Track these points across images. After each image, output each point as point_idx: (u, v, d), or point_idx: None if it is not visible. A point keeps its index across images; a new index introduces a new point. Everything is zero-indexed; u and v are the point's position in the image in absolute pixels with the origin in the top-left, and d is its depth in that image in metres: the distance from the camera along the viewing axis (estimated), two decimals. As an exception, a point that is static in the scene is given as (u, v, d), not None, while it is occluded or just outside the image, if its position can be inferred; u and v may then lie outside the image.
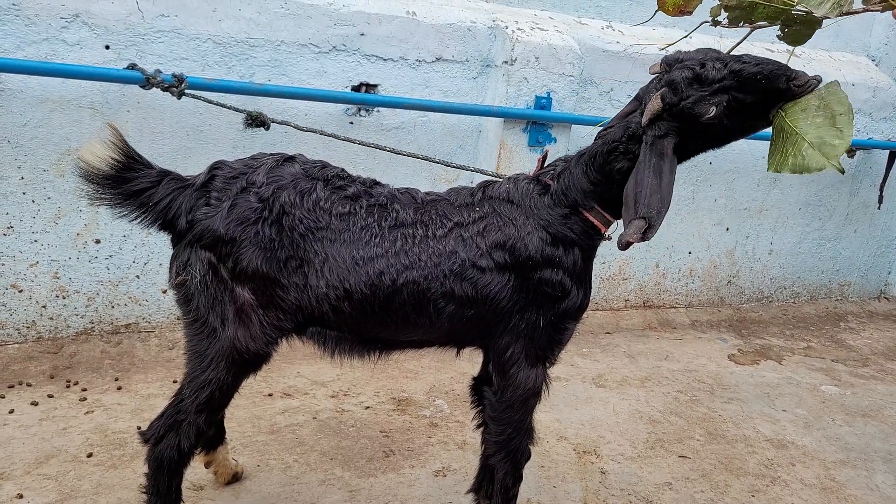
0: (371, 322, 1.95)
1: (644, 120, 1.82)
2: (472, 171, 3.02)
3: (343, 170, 2.02)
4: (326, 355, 2.03)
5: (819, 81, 1.76)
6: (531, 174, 2.09)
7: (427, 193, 2.06)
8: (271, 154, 1.99)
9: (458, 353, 2.17)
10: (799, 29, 1.97)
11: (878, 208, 5.29)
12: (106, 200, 1.86)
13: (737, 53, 1.82)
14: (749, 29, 2.05)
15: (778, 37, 2.04)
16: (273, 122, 3.04)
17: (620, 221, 2.05)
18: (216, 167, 1.93)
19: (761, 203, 4.95)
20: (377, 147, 3.03)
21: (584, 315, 2.11)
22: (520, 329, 1.97)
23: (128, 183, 1.86)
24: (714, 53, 1.81)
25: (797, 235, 5.19)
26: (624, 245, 1.79)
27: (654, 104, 1.79)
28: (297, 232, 1.86)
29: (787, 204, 5.05)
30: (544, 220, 1.96)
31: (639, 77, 4.27)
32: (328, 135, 2.99)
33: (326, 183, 1.93)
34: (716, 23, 2.05)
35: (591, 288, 2.07)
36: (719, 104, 1.75)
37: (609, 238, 2.04)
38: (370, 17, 3.54)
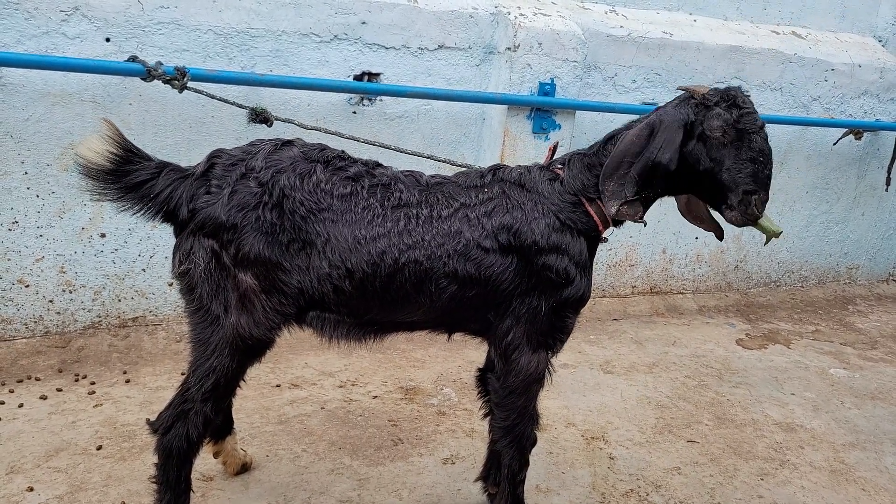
0: (371, 302, 1.95)
1: (683, 86, 2.03)
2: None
3: (343, 151, 2.02)
4: (324, 339, 2.04)
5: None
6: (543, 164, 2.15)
7: (432, 176, 2.07)
8: (269, 139, 1.99)
9: (448, 336, 2.19)
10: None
11: (886, 190, 5.24)
12: (107, 195, 1.87)
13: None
14: None
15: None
16: (277, 119, 3.05)
17: (617, 229, 2.11)
18: (215, 155, 1.94)
19: (768, 187, 4.91)
20: (381, 145, 3.09)
21: (584, 308, 2.12)
22: (521, 313, 1.98)
23: (127, 176, 1.86)
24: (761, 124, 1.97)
25: (804, 219, 5.16)
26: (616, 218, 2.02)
27: (702, 87, 1.98)
28: (299, 214, 1.87)
29: (794, 187, 5.01)
30: (555, 206, 2.00)
31: (643, 62, 4.24)
32: (332, 133, 3.02)
33: (326, 164, 1.94)
34: None
35: (592, 282, 2.09)
36: (724, 133, 1.92)
37: (605, 240, 2.07)
38: (371, 5, 3.52)
